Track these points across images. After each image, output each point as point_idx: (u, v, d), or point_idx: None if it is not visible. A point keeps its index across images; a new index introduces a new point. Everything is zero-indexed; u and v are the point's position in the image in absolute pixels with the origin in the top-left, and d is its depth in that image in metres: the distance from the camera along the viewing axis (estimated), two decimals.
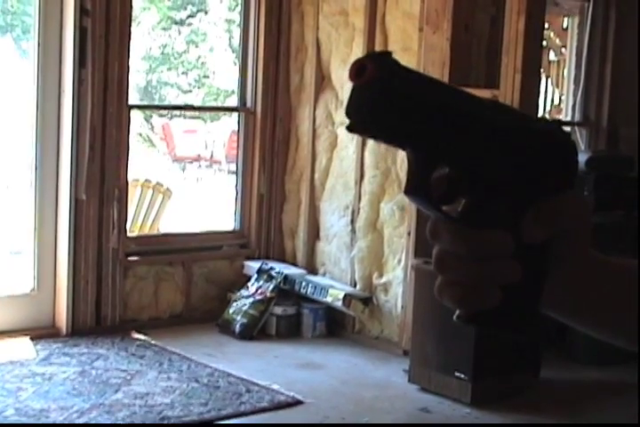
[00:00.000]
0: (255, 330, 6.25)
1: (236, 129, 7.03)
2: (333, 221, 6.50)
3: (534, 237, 0.97)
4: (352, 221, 6.33)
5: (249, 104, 6.80)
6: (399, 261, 6.03)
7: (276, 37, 6.71)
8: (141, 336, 6.14)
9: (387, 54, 0.92)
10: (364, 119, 0.92)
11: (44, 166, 6.12)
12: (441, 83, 0.95)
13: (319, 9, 6.53)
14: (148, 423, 4.77)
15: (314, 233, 6.66)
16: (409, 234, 5.92)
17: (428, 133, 0.93)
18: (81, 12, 5.96)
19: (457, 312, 0.99)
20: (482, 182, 0.97)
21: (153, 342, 6.06)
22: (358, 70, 0.92)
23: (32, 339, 5.99)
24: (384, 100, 0.91)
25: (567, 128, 6.91)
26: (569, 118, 7.17)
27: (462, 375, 5.09)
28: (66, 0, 5.98)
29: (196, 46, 13.30)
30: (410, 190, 0.95)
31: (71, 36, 5.98)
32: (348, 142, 6.36)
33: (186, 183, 11.12)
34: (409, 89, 0.91)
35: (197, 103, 13.08)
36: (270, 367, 5.70)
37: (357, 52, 6.28)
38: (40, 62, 6.09)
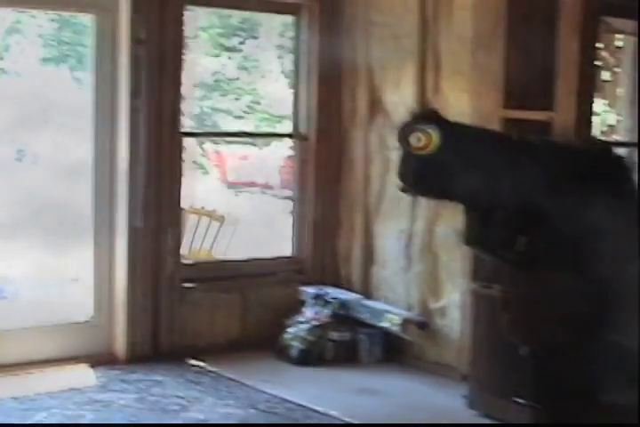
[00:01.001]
0: (312, 356, 6.23)
1: (290, 155, 7.04)
2: (388, 245, 6.47)
3: (596, 272, 0.97)
4: (407, 246, 6.30)
5: (303, 130, 6.82)
6: (456, 284, 5.98)
7: (329, 62, 6.72)
8: (198, 363, 6.15)
9: (440, 120, 0.93)
10: (415, 184, 0.94)
11: (101, 194, 6.17)
12: (489, 134, 0.95)
13: (371, 33, 6.53)
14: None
15: (369, 258, 6.64)
16: (465, 258, 5.86)
17: (480, 191, 0.93)
18: (135, 41, 6.02)
19: (524, 347, 0.98)
20: (539, 225, 0.97)
21: (210, 368, 6.07)
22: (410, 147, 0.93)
23: (91, 366, 6.03)
24: (436, 167, 0.92)
25: (622, 149, 6.83)
26: (625, 139, 7.10)
27: (523, 401, 5.02)
28: (120, 30, 6.06)
29: (248, 72, 13.39)
30: (470, 242, 0.97)
31: (125, 65, 6.05)
32: None
33: (240, 209, 11.14)
34: (459, 153, 0.93)
35: (249, 129, 13.14)
36: (327, 393, 5.68)
37: (409, 75, 6.27)
38: (96, 92, 6.16)
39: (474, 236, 0.93)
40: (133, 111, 6.06)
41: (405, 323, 6.12)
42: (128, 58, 6.04)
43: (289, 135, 7.04)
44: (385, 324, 6.18)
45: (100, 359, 6.09)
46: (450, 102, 6.04)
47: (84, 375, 5.88)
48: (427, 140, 6.15)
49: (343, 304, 6.37)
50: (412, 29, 6.27)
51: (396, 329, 6.15)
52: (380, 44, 6.51)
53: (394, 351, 6.33)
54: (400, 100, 6.38)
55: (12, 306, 7.51)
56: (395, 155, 6.38)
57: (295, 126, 6.89)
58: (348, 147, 6.75)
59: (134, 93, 6.05)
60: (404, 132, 5.39)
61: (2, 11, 5.79)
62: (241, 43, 13.11)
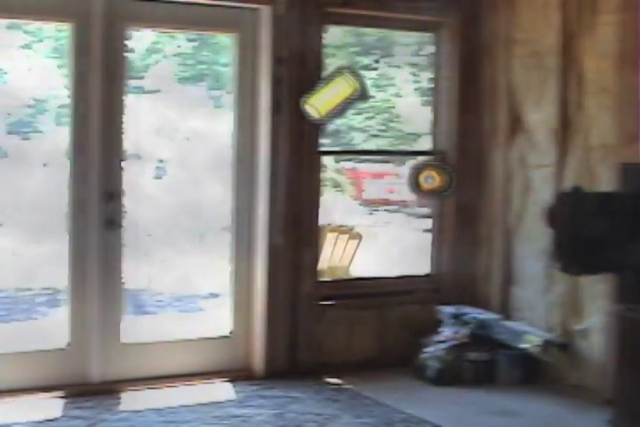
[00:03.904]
0: (449, 376, 6.18)
1: None
2: (528, 265, 6.38)
3: None
4: (548, 266, 6.18)
5: (441, 147, 6.78)
6: (598, 306, 5.84)
7: (468, 80, 6.68)
8: (335, 380, 6.15)
9: (583, 196, 0.92)
10: (573, 263, 0.93)
11: (240, 210, 6.24)
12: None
13: (511, 51, 6.47)
14: None
15: (508, 278, 6.55)
16: (609, 279, 5.72)
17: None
18: (275, 60, 6.10)
19: None
20: None
21: (346, 386, 6.07)
22: (549, 216, 0.92)
23: (229, 381, 6.09)
24: (589, 243, 0.91)
25: None
26: None
27: None
28: (260, 49, 6.14)
29: (382, 90, 13.40)
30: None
31: (265, 83, 6.12)
32: (543, 185, 6.25)
33: (375, 227, 11.16)
34: (610, 225, 0.91)
35: (384, 147, 13.14)
36: (465, 414, 5.61)
37: (551, 93, 6.18)
38: (235, 110, 6.24)
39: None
40: (273, 129, 6.13)
41: (545, 344, 6.02)
42: (268, 76, 6.12)
43: (427, 153, 7.01)
44: (524, 345, 6.08)
45: (238, 374, 6.16)
46: (593, 120, 5.94)
47: (222, 390, 5.95)
48: (440, 179, 5.82)
49: (481, 324, 6.30)
50: (555, 46, 6.18)
51: (535, 351, 6.04)
52: (520, 62, 6.44)
53: (532, 373, 6.22)
54: (541, 118, 6.30)
55: (154, 320, 7.66)
56: (535, 174, 6.33)
57: (434, 144, 6.85)
58: (487, 165, 6.68)
59: (274, 112, 6.12)
60: (414, 173, 5.04)
61: (142, 32, 5.92)
62: (376, 61, 13.14)
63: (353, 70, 6.10)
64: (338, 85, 6.02)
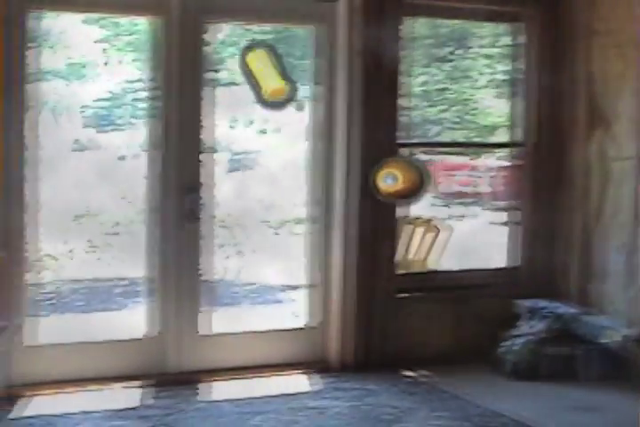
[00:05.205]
0: (527, 370, 6.12)
1: (506, 165, 6.96)
2: (609, 259, 6.29)
3: None
4: (629, 260, 6.10)
5: (520, 139, 6.72)
6: None
7: (547, 72, 6.61)
8: (411, 373, 6.13)
9: None
10: None
11: (316, 202, 6.24)
12: None
13: (592, 42, 6.38)
14: None
15: (587, 272, 6.47)
16: None
17: None
18: (353, 52, 6.08)
19: None
20: None
21: (423, 379, 6.05)
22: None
23: (305, 373, 6.10)
24: None
25: None
26: None
27: None
28: (336, 41, 6.14)
29: (457, 83, 13.33)
30: None
31: (343, 76, 6.12)
32: (624, 178, 6.16)
33: (451, 220, 11.13)
34: None
35: (459, 140, 13.07)
36: (543, 409, 5.55)
37: (632, 85, 6.09)
38: (312, 102, 6.24)
39: None
40: (349, 121, 6.12)
41: (625, 340, 5.93)
42: (346, 69, 6.10)
43: (506, 145, 6.95)
44: (603, 340, 6.01)
45: (314, 366, 6.17)
46: None
47: (298, 382, 5.96)
48: (405, 179, 4.90)
49: (560, 319, 6.23)
50: (636, 37, 6.08)
51: (615, 346, 5.96)
52: (601, 53, 6.35)
53: (612, 368, 6.13)
54: (621, 109, 6.22)
55: (232, 312, 7.71)
56: (615, 166, 6.25)
57: (512, 136, 6.79)
58: (566, 158, 6.60)
59: (351, 104, 6.11)
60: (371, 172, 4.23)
61: (217, 25, 5.94)
62: (451, 53, 13.07)
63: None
64: (254, 63, 5.75)
